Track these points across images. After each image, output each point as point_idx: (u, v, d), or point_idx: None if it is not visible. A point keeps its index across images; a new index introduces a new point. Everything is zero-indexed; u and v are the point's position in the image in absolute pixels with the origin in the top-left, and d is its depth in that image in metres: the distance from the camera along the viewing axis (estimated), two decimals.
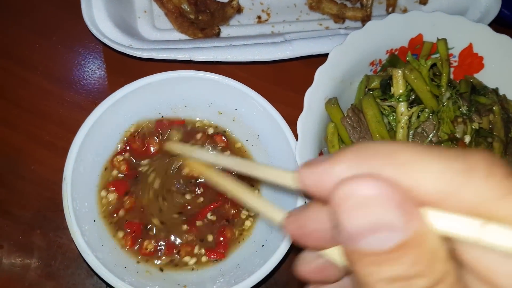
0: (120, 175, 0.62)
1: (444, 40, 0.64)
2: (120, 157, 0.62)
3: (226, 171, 0.34)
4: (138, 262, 0.59)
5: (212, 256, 0.60)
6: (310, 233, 0.26)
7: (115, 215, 0.60)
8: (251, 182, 0.64)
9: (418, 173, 0.20)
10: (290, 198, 0.59)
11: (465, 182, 0.20)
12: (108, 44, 0.63)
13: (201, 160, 0.34)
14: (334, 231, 0.21)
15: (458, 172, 0.20)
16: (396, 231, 0.19)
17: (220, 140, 0.66)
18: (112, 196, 0.61)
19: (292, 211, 0.27)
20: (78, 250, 0.55)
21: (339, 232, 0.21)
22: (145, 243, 0.59)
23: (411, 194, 0.20)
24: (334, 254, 0.26)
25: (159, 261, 0.60)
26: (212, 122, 0.67)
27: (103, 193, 0.61)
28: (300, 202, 0.57)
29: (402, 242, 0.19)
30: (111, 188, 0.61)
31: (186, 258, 0.60)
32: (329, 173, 0.22)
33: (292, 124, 0.61)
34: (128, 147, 0.63)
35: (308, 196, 0.24)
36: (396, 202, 0.20)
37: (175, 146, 0.41)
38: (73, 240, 0.55)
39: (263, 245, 0.60)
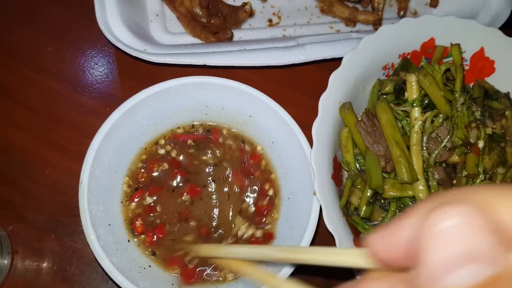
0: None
1: (458, 45, 0.65)
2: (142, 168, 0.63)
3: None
4: (150, 266, 0.59)
5: None
6: None
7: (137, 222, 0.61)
8: None
9: (502, 208, 0.18)
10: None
11: None
12: (123, 49, 0.63)
13: (243, 258, 0.32)
14: (411, 276, 0.18)
15: None
16: (487, 262, 0.17)
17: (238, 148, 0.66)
18: (133, 205, 0.62)
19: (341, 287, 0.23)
20: (94, 255, 0.55)
21: (418, 274, 0.18)
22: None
23: (502, 226, 0.18)
24: None
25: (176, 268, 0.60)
26: (228, 128, 0.67)
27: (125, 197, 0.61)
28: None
29: (492, 277, 0.16)
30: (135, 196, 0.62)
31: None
32: (404, 227, 0.19)
33: (304, 127, 0.61)
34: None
35: (360, 272, 0.21)
36: (490, 229, 0.17)
37: (205, 250, 0.38)
38: (87, 245, 0.55)
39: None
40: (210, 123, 0.67)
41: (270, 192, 0.65)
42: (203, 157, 0.65)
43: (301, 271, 0.54)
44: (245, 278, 0.58)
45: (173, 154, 0.65)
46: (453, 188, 0.19)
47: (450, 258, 0.17)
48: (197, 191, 0.63)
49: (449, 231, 0.17)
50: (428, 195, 0.58)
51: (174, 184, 0.63)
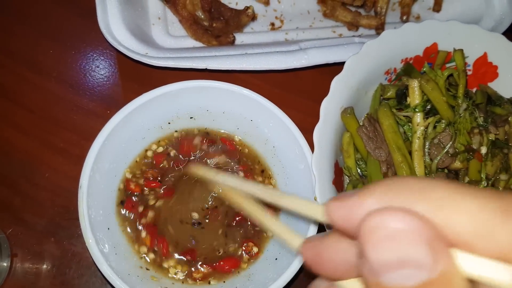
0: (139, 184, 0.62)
1: (461, 50, 0.64)
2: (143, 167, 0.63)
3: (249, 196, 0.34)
4: (148, 269, 0.59)
5: (226, 268, 0.60)
6: (326, 262, 0.25)
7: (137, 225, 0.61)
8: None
9: (451, 211, 0.19)
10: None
11: (500, 223, 0.19)
12: (124, 53, 0.63)
13: (225, 184, 0.34)
14: (358, 262, 0.20)
15: (495, 212, 0.19)
16: (422, 269, 0.18)
17: (234, 149, 0.66)
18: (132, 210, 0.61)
19: (310, 238, 0.26)
20: (92, 259, 0.55)
21: (363, 263, 0.20)
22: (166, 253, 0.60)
23: (442, 232, 0.19)
24: (348, 286, 0.25)
25: (176, 272, 0.60)
26: (229, 132, 0.67)
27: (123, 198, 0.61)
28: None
29: (427, 281, 0.18)
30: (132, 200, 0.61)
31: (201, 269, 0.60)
32: (358, 207, 0.21)
33: (306, 131, 0.61)
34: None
35: (331, 227, 0.24)
36: (426, 239, 0.19)
37: (199, 170, 0.40)
38: (87, 249, 0.55)
39: (276, 259, 0.59)
40: (210, 128, 0.66)
41: None
42: (203, 160, 0.65)
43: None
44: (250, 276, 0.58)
45: (174, 158, 0.64)
46: (411, 178, 0.21)
47: (386, 261, 0.19)
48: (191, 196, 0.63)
49: (387, 238, 0.19)
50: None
51: (174, 187, 0.63)
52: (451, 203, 0.20)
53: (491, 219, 0.19)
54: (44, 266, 0.63)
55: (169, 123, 0.65)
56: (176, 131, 0.66)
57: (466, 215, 0.19)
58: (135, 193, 0.62)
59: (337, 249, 0.24)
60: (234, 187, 0.33)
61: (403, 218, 0.19)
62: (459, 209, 0.20)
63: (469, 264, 0.19)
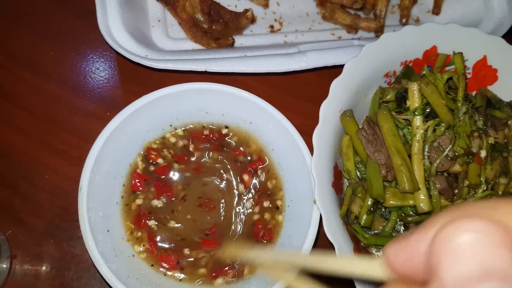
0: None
1: (461, 54, 0.64)
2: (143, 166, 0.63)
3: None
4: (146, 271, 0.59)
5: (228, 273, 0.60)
6: None
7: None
8: None
9: None
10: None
11: None
12: (124, 55, 0.63)
13: (272, 261, 0.32)
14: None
15: None
16: (509, 281, 0.15)
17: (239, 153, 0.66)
18: (134, 205, 0.61)
19: None
20: (92, 261, 0.55)
21: (437, 286, 0.17)
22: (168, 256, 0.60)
23: None
24: None
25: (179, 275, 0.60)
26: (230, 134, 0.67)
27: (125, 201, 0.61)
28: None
29: None
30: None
31: (202, 270, 0.60)
32: (422, 241, 0.18)
33: (305, 134, 0.61)
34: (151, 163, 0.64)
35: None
36: (508, 246, 0.16)
37: (237, 252, 0.38)
38: (86, 250, 0.55)
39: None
40: (210, 127, 0.67)
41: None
42: (203, 163, 0.65)
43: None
44: (260, 275, 0.58)
45: (173, 161, 0.64)
46: (473, 201, 0.18)
47: (466, 274, 0.16)
48: (196, 198, 0.63)
49: (465, 246, 0.16)
50: (430, 205, 0.58)
51: (174, 190, 0.63)
52: None
53: None
54: (44, 268, 0.63)
55: (170, 125, 0.65)
56: (176, 133, 0.66)
57: None
58: (136, 195, 0.62)
59: None
60: (279, 260, 0.31)
61: (480, 222, 0.17)
62: None
63: None
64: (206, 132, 0.66)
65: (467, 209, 0.19)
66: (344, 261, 0.25)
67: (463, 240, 0.16)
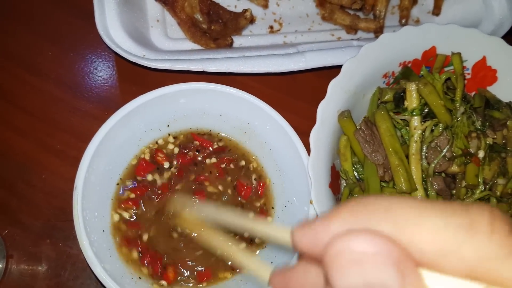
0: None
1: (459, 54, 0.64)
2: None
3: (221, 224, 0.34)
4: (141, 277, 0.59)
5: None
6: None
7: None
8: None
9: (416, 229, 0.19)
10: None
11: (466, 239, 0.19)
12: (122, 55, 0.63)
13: (198, 215, 0.34)
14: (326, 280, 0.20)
15: (459, 228, 0.19)
16: None
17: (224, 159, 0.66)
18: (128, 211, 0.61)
19: (279, 269, 0.26)
20: (86, 261, 0.54)
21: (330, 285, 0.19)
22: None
23: (409, 252, 0.19)
24: None
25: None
26: (225, 135, 0.67)
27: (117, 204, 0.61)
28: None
29: None
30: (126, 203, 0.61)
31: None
32: (324, 231, 0.21)
33: (303, 134, 0.61)
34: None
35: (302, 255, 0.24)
36: (393, 260, 0.18)
37: (177, 201, 0.40)
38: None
39: (272, 262, 0.59)
40: (208, 130, 0.66)
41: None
42: (198, 164, 0.65)
43: None
44: (248, 276, 0.58)
45: (169, 161, 0.64)
46: (375, 197, 0.20)
47: (353, 285, 0.18)
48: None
49: (352, 262, 0.18)
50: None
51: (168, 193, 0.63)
52: (416, 221, 0.19)
53: (456, 236, 0.19)
54: (40, 268, 0.63)
55: (167, 125, 0.65)
56: (173, 133, 0.66)
57: (431, 233, 0.19)
58: (132, 195, 0.62)
59: (305, 278, 0.24)
60: (207, 216, 0.33)
61: (368, 240, 0.19)
62: (424, 228, 0.19)
63: (437, 284, 0.19)
64: (196, 142, 0.66)
65: (365, 210, 0.20)
66: (260, 225, 0.28)
67: (350, 258, 0.18)
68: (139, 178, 0.63)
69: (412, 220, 0.19)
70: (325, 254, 0.19)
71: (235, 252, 0.30)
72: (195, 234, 0.50)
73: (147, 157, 0.64)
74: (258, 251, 0.61)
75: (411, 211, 0.20)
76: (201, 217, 0.34)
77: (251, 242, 0.61)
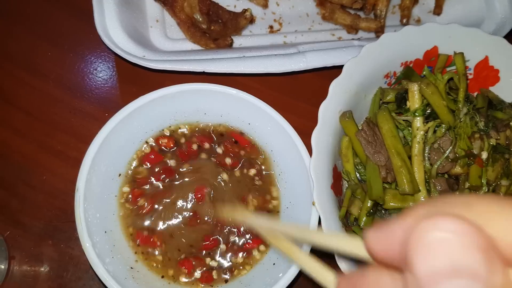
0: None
1: (462, 54, 0.64)
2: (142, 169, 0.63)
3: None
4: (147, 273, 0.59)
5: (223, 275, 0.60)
6: None
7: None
8: None
9: (502, 222, 0.18)
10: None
11: None
12: (121, 56, 0.63)
13: (259, 225, 0.33)
14: (405, 279, 0.18)
15: None
16: (478, 280, 0.16)
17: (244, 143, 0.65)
18: (130, 212, 0.61)
19: (348, 274, 0.25)
20: (89, 263, 0.54)
21: (411, 278, 0.17)
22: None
23: (494, 243, 0.17)
24: None
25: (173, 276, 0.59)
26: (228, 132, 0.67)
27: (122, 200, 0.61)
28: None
29: None
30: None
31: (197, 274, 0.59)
32: (400, 229, 0.19)
33: (304, 135, 0.60)
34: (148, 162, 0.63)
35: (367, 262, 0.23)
36: (481, 246, 0.17)
37: (230, 213, 0.39)
38: (84, 252, 0.55)
39: (274, 264, 0.59)
40: (208, 128, 0.66)
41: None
42: (200, 164, 0.64)
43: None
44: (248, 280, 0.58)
45: (171, 162, 0.64)
46: (453, 195, 0.19)
47: (438, 270, 0.17)
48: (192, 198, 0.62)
49: (438, 243, 0.17)
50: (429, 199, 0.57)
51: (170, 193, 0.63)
52: (500, 215, 0.18)
53: None
54: (42, 269, 0.63)
55: (168, 126, 0.65)
56: (174, 133, 0.65)
57: None
58: (133, 195, 0.62)
59: (378, 283, 0.22)
60: (265, 227, 0.32)
61: (454, 221, 0.17)
62: (509, 221, 0.18)
63: None
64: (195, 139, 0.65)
65: (444, 204, 0.19)
66: (332, 237, 0.26)
67: (437, 238, 0.17)
68: (139, 177, 0.62)
69: (496, 214, 0.18)
70: (405, 245, 0.18)
71: (298, 254, 0.29)
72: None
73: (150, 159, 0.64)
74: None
75: (493, 205, 0.18)
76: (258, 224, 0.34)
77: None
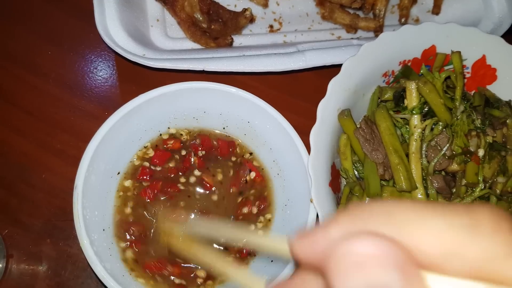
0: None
1: (459, 53, 0.64)
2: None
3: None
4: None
5: None
6: None
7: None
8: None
9: (418, 232, 0.19)
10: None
11: (469, 239, 0.18)
12: (122, 54, 0.63)
13: (191, 232, 0.34)
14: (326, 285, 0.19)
15: (462, 228, 0.19)
16: None
17: (230, 150, 0.66)
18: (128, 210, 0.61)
19: (274, 281, 0.26)
20: (87, 261, 0.54)
21: None
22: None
23: (411, 254, 0.18)
24: None
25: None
26: (226, 134, 0.67)
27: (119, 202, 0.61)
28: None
29: None
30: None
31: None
32: (323, 238, 0.20)
33: (303, 133, 0.61)
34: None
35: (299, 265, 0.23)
36: (396, 262, 0.18)
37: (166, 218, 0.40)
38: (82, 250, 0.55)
39: (272, 261, 0.59)
40: (206, 129, 0.66)
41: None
42: (198, 162, 0.65)
43: None
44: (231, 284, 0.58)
45: (171, 162, 0.64)
46: (375, 202, 0.20)
47: None
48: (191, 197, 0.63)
49: (354, 265, 0.18)
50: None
51: (169, 189, 0.63)
52: (417, 223, 0.19)
53: (459, 237, 0.19)
54: (40, 267, 0.63)
55: (167, 125, 0.65)
56: (173, 132, 0.66)
57: (434, 234, 0.19)
58: (131, 194, 0.62)
59: (304, 286, 0.23)
60: (199, 231, 0.33)
61: (369, 242, 0.18)
62: (427, 229, 0.19)
63: (440, 286, 0.18)
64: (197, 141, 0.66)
65: (366, 215, 0.20)
66: (262, 239, 0.27)
67: (353, 260, 0.18)
68: (140, 177, 0.63)
69: (414, 222, 0.19)
70: (325, 259, 0.19)
71: (227, 266, 0.30)
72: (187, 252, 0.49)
73: (149, 157, 0.64)
74: (251, 262, 0.60)
75: (413, 214, 0.19)
76: (192, 233, 0.34)
77: (240, 254, 0.61)
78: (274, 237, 0.26)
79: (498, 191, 0.60)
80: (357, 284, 0.18)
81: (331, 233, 0.20)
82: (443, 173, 0.60)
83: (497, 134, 0.62)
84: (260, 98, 0.62)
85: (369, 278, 0.17)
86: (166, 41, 0.73)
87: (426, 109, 0.61)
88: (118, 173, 0.62)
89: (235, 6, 0.78)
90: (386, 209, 0.20)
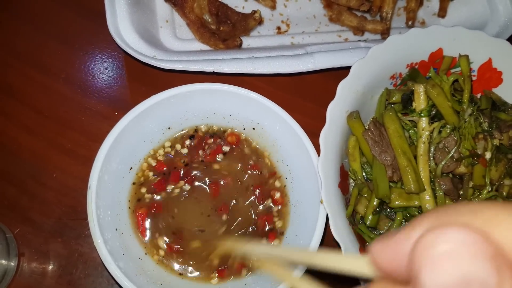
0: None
1: (466, 56, 0.65)
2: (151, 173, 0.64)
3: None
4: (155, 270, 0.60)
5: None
6: None
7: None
8: None
9: (506, 229, 0.17)
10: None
11: None
12: (133, 55, 0.64)
13: (260, 254, 0.33)
14: None
15: None
16: None
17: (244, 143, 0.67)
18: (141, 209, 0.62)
19: None
20: (100, 259, 0.55)
21: None
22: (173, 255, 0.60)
23: (503, 250, 0.17)
24: None
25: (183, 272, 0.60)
26: (237, 131, 0.68)
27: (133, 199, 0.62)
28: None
29: None
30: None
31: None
32: (406, 240, 0.19)
33: (312, 134, 0.61)
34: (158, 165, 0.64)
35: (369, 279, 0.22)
36: (489, 254, 0.16)
37: (231, 245, 0.39)
38: (94, 249, 0.55)
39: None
40: (217, 128, 0.67)
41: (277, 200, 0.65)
42: (212, 165, 0.65)
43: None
44: (260, 274, 0.58)
45: (182, 160, 0.65)
46: (459, 203, 0.19)
47: (445, 283, 0.16)
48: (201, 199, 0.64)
49: (444, 255, 0.17)
50: (435, 206, 0.58)
51: (181, 190, 0.64)
52: (507, 221, 0.18)
53: None
54: (51, 266, 0.63)
55: (178, 125, 0.65)
56: (184, 133, 0.66)
57: None
58: (143, 193, 0.63)
59: None
60: (267, 254, 0.32)
61: (460, 232, 0.17)
62: None
63: None
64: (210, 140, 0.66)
65: (450, 213, 0.19)
66: (332, 258, 0.25)
67: (443, 249, 0.17)
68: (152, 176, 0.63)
69: (502, 219, 0.18)
70: (413, 254, 0.17)
71: (292, 279, 0.28)
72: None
73: (160, 157, 0.64)
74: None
75: (499, 212, 0.18)
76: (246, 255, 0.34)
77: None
78: (345, 255, 0.24)
79: (504, 193, 0.61)
80: (450, 276, 0.16)
81: (415, 233, 0.19)
82: (450, 175, 0.61)
83: (504, 137, 0.62)
84: (269, 99, 0.63)
85: (461, 269, 0.16)
86: (175, 42, 0.74)
87: (434, 112, 0.61)
88: (131, 168, 0.62)
89: (243, 7, 0.79)
90: (472, 208, 0.19)
